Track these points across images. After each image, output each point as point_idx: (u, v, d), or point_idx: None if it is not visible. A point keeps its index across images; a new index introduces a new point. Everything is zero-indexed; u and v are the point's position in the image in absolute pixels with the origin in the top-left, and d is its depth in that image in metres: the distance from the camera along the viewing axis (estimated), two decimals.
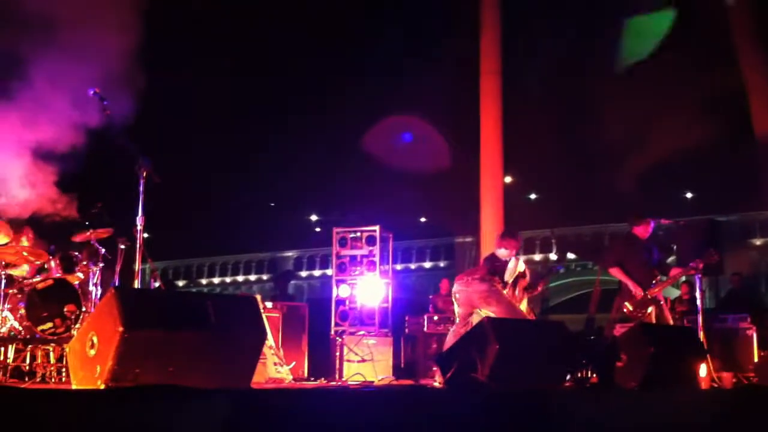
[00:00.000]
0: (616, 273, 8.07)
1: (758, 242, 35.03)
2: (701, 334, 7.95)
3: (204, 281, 50.63)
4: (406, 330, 11.31)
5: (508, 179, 21.05)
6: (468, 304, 7.66)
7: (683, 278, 8.28)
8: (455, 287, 7.80)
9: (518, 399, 4.50)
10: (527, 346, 6.04)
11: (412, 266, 46.56)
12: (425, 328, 11.02)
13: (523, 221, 7.83)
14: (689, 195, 37.30)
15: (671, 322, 8.20)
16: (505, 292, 7.79)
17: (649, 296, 7.86)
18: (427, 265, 46.75)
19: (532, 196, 37.20)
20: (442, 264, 45.55)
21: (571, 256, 34.92)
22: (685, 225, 10.36)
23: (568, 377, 6.66)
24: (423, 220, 46.28)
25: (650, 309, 7.84)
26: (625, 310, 7.92)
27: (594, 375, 7.37)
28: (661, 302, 8.00)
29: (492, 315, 7.19)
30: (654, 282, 7.92)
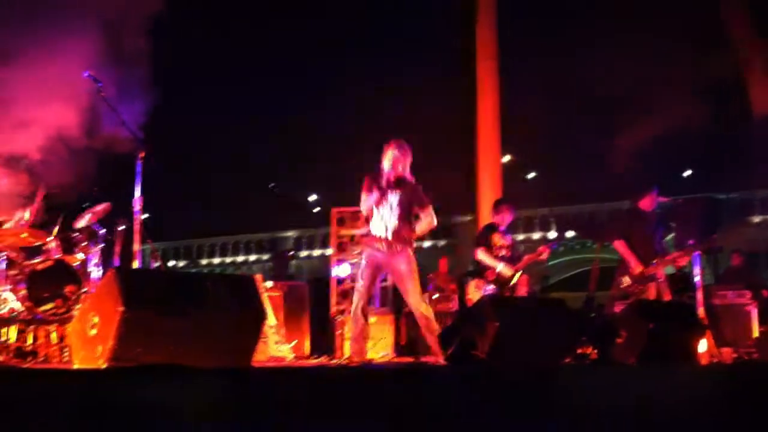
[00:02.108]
0: (619, 247, 8.09)
1: (757, 219, 35.01)
2: (701, 310, 7.97)
3: (204, 261, 50.62)
4: (406, 308, 11.33)
5: (506, 158, 21.04)
6: None
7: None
8: None
9: (518, 376, 4.51)
10: (528, 324, 6.06)
11: None
12: None
13: (522, 200, 7.81)
14: (688, 173, 37.24)
15: (668, 299, 8.23)
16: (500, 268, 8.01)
17: (647, 274, 7.87)
18: (426, 243, 46.78)
19: (531, 175, 37.14)
20: (441, 243, 45.57)
21: (570, 234, 34.92)
22: (683, 203, 10.36)
23: (569, 354, 6.68)
24: None
25: (649, 285, 7.86)
26: (622, 285, 7.94)
27: (594, 351, 7.40)
28: (661, 280, 8.02)
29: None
30: (655, 260, 7.92)
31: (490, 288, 8.02)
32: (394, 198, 6.78)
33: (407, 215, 6.84)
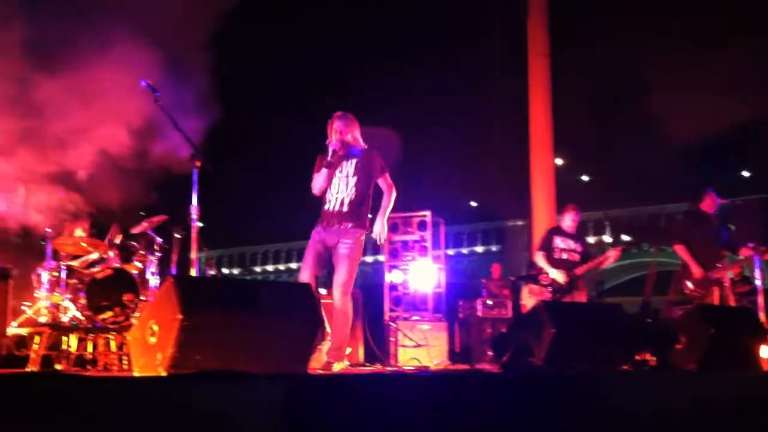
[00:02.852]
0: (679, 250, 7.95)
1: None
2: (762, 315, 7.78)
3: (258, 269, 51.14)
4: (460, 315, 11.30)
5: (559, 161, 20.86)
6: None
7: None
8: None
9: (575, 383, 4.46)
10: (584, 330, 5.99)
11: (464, 251, 46.40)
12: (479, 313, 10.99)
13: (575, 203, 7.73)
14: (746, 174, 36.46)
15: (733, 303, 8.05)
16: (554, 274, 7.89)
17: (711, 277, 7.70)
18: (479, 249, 46.54)
19: (584, 178, 36.75)
20: (493, 248, 45.31)
21: (625, 237, 34.45)
22: (741, 204, 10.15)
23: (626, 360, 6.58)
24: (473, 204, 46.06)
25: (713, 290, 7.70)
26: (686, 290, 7.80)
27: (652, 357, 7.28)
28: (725, 284, 7.84)
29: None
30: (719, 264, 7.76)
31: (546, 293, 7.93)
32: (349, 167, 6.33)
33: (366, 186, 6.36)
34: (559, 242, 8.13)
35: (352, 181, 6.28)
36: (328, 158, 6.19)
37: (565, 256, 8.09)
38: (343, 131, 6.23)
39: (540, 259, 8.13)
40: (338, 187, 6.28)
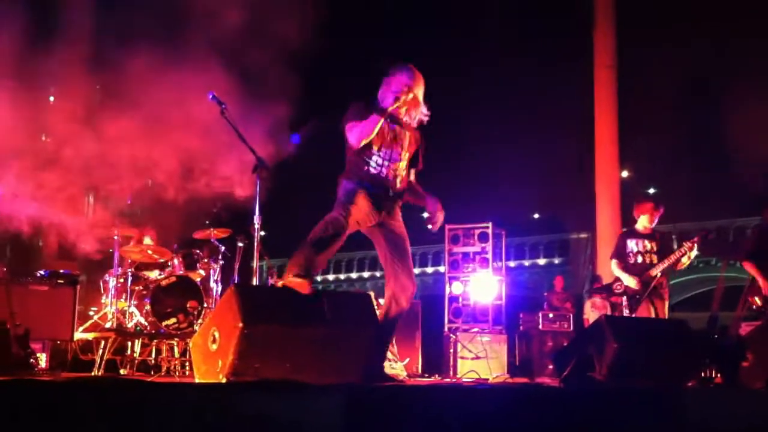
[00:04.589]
0: (747, 267, 7.71)
1: None
2: None
3: (319, 278, 51.52)
4: (521, 327, 11.19)
5: (625, 173, 20.54)
6: None
7: None
8: None
9: (638, 398, 4.37)
10: (647, 345, 5.87)
11: (526, 263, 46.01)
12: (540, 326, 10.88)
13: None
14: None
15: None
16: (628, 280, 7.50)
17: None
18: (541, 261, 46.12)
19: (651, 191, 36.13)
20: (556, 261, 44.87)
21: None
22: None
23: (691, 377, 6.43)
24: (536, 216, 45.66)
25: None
26: (754, 306, 7.57)
27: (718, 375, 7.10)
28: None
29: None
30: None
31: (607, 306, 7.64)
32: (406, 139, 5.30)
33: (409, 170, 5.43)
34: (632, 246, 7.64)
35: (406, 156, 5.31)
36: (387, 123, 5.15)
37: (639, 259, 7.58)
38: (416, 91, 5.25)
39: (614, 267, 7.68)
40: (391, 155, 5.21)
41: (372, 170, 5.16)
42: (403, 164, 5.29)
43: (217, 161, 7.43)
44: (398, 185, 5.26)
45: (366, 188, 5.10)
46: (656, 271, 7.47)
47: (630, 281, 7.47)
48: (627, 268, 7.58)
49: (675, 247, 7.63)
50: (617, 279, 7.64)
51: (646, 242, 7.64)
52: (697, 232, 7.98)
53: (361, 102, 5.25)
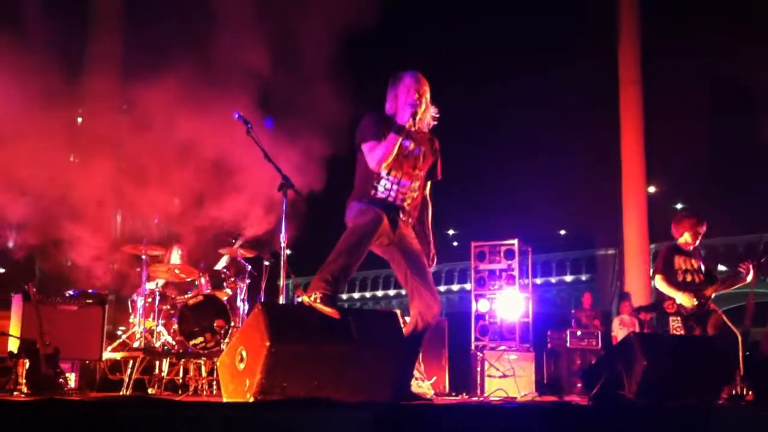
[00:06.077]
0: None
1: None
2: None
3: (344, 296, 51.52)
4: (549, 345, 11.12)
5: (652, 189, 20.39)
6: None
7: None
8: None
9: (668, 416, 4.32)
10: (677, 362, 5.80)
11: (553, 280, 45.73)
12: (568, 343, 10.81)
13: (669, 232, 7.40)
14: None
15: None
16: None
17: None
18: (568, 278, 45.82)
19: (679, 206, 35.84)
20: (583, 277, 44.55)
21: (722, 267, 33.37)
22: None
23: (721, 394, 6.34)
24: (563, 232, 45.40)
25: None
26: None
27: (750, 392, 6.99)
28: None
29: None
30: None
31: (674, 322, 7.11)
32: (420, 156, 5.04)
33: (424, 185, 5.17)
34: (680, 263, 7.16)
35: (419, 173, 5.06)
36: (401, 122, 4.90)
37: (689, 278, 7.12)
38: (426, 104, 5.04)
39: (661, 284, 7.10)
40: (400, 176, 4.98)
41: (379, 194, 4.95)
42: (416, 184, 5.05)
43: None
44: (407, 207, 5.03)
45: (379, 207, 4.90)
46: (712, 292, 7.02)
47: (686, 300, 6.94)
48: (679, 285, 7.07)
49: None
50: (667, 297, 7.10)
51: (693, 261, 7.21)
52: (747, 254, 7.73)
53: (375, 116, 5.00)
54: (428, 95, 5.02)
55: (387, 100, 5.07)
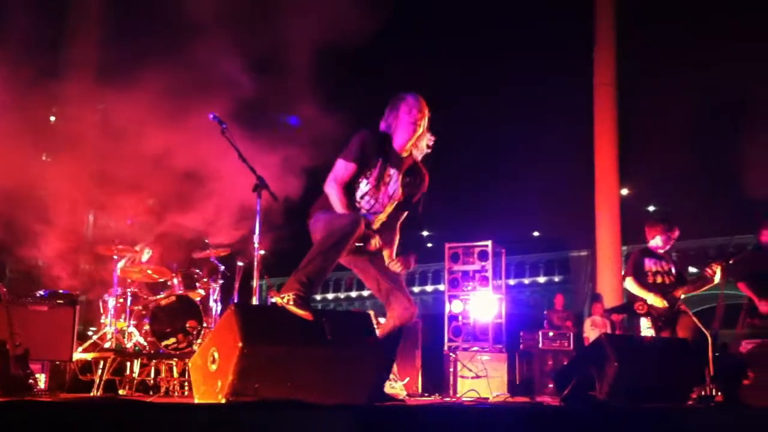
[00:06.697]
0: (742, 288, 7.70)
1: None
2: None
3: (318, 297, 51.40)
4: (521, 346, 11.18)
5: (624, 191, 20.56)
6: None
7: None
8: None
9: (639, 418, 4.36)
10: (648, 364, 5.86)
11: (526, 281, 45.94)
12: (540, 344, 10.88)
13: (642, 234, 7.48)
14: None
15: None
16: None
17: None
18: (541, 279, 46.04)
19: (651, 208, 36.13)
20: (556, 279, 44.77)
21: (693, 270, 33.69)
22: None
23: (692, 395, 6.41)
24: (536, 234, 45.62)
25: None
26: (756, 323, 7.54)
27: (719, 393, 7.08)
28: None
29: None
30: None
31: (645, 324, 7.22)
32: (399, 189, 5.00)
33: (397, 215, 5.09)
34: (650, 265, 7.34)
35: (394, 199, 5.00)
36: (382, 161, 4.88)
37: (659, 279, 7.29)
38: (423, 132, 5.01)
39: (631, 285, 7.28)
40: (378, 196, 4.93)
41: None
42: (385, 214, 4.98)
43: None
44: (375, 226, 4.93)
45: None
46: (682, 293, 7.19)
47: (657, 301, 7.12)
48: (649, 287, 7.25)
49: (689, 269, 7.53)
50: (638, 298, 7.25)
51: (663, 263, 7.39)
52: (717, 256, 7.77)
53: (366, 137, 4.88)
54: (426, 121, 4.97)
55: (384, 118, 5.01)
